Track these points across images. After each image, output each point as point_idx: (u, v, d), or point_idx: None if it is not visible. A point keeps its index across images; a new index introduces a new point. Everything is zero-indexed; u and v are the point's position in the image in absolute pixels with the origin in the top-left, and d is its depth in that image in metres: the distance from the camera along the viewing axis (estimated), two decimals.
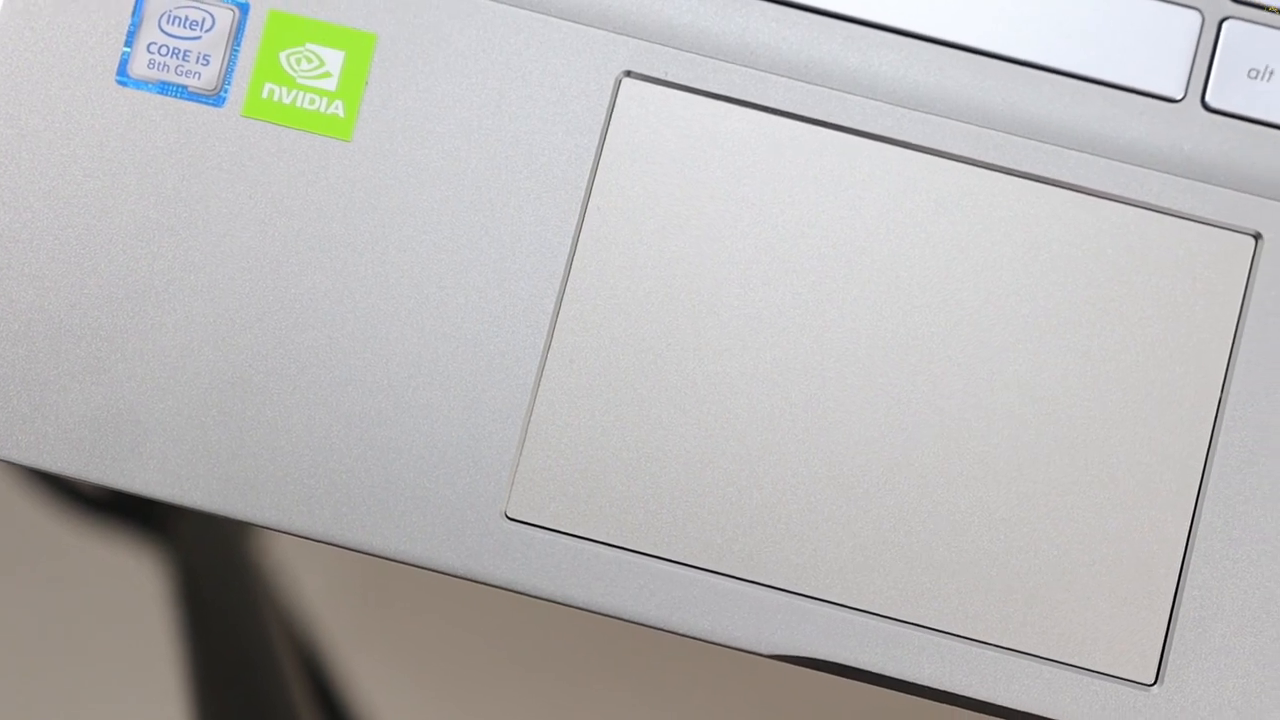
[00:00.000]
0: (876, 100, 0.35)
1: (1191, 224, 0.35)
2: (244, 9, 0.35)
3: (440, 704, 0.69)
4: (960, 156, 0.35)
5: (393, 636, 0.70)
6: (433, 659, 0.69)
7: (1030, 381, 0.34)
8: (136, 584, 0.63)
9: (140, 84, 0.34)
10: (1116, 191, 0.35)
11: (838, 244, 0.35)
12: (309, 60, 0.34)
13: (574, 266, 0.34)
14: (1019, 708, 0.34)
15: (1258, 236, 0.35)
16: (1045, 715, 0.34)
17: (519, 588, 0.34)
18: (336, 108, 0.34)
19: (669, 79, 0.35)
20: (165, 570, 0.60)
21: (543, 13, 0.35)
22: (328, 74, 0.34)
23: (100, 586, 0.65)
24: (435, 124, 0.35)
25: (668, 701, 0.68)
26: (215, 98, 0.34)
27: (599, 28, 0.35)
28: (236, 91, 0.35)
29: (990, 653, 0.34)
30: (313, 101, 0.34)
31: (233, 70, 0.35)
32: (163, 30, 0.35)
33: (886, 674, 0.34)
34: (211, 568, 0.59)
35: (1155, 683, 0.34)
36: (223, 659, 0.53)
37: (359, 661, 0.67)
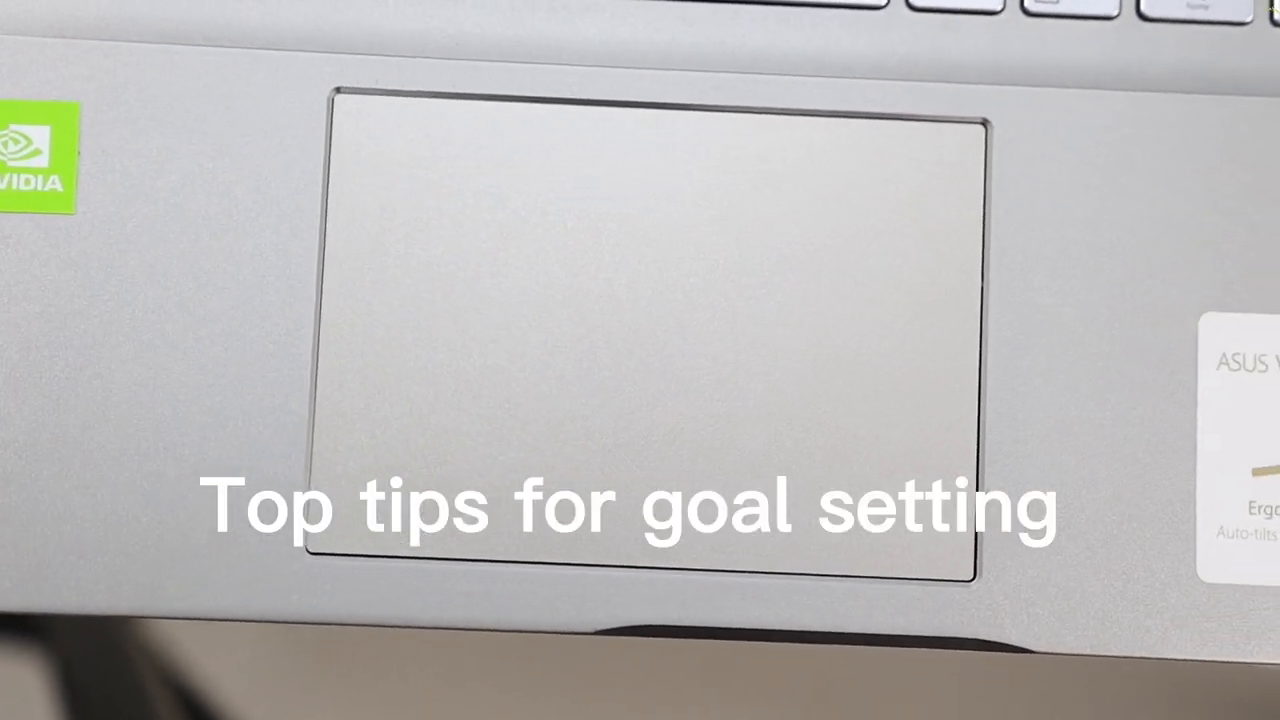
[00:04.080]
0: (589, 66, 0.35)
1: (922, 123, 0.35)
2: None
3: None
4: (682, 104, 0.35)
5: (323, 700, 0.69)
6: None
7: (798, 313, 0.34)
8: (20, 691, 0.62)
9: None
10: (842, 107, 0.35)
11: (581, 211, 0.35)
12: (15, 141, 0.34)
13: (325, 291, 0.34)
14: (848, 630, 0.34)
15: (985, 123, 0.35)
16: (874, 632, 0.34)
17: (336, 619, 0.34)
18: (54, 183, 0.34)
19: (381, 87, 0.35)
20: (46, 670, 0.60)
21: (244, 47, 0.35)
22: (37, 151, 0.34)
23: None
24: (158, 178, 0.34)
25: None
26: None
27: (303, 50, 0.35)
28: None
29: (811, 583, 0.34)
30: (28, 182, 0.34)
31: None
32: None
33: (711, 625, 0.34)
34: (90, 658, 0.58)
35: (974, 577, 0.34)
36: None
37: None
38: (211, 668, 0.66)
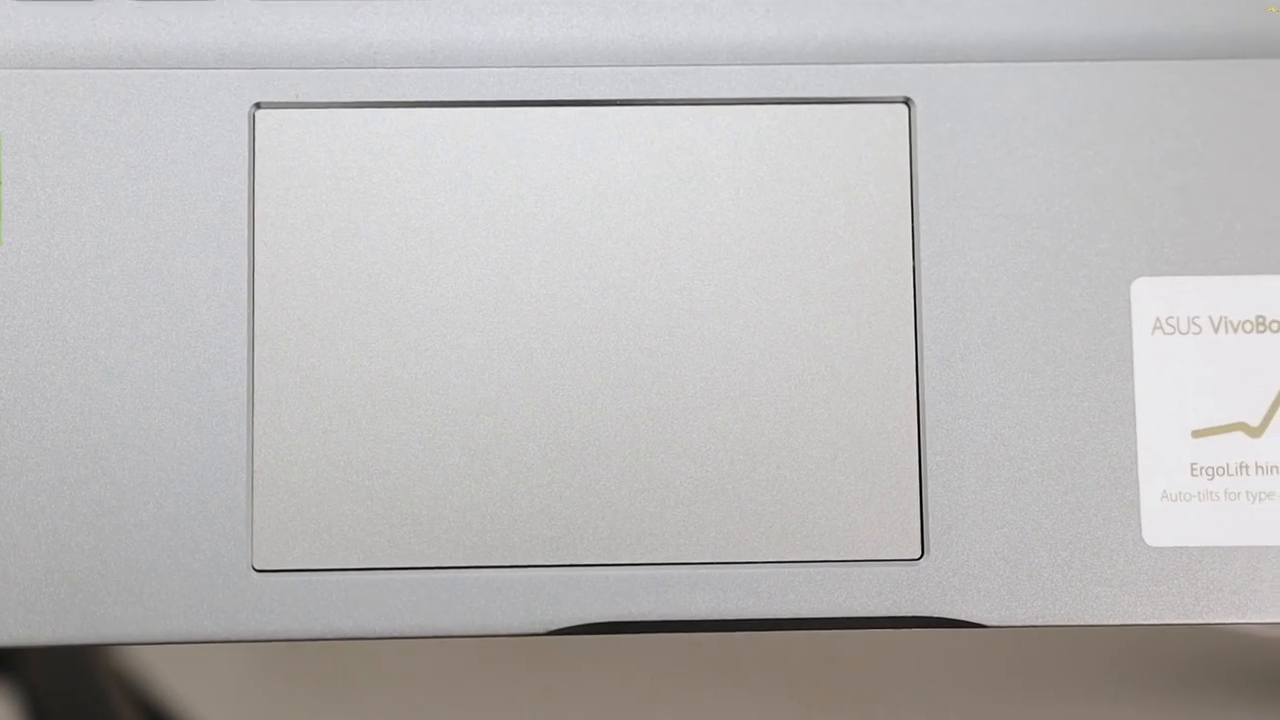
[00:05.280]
0: (508, 67, 0.35)
1: (844, 106, 0.35)
2: None
3: None
4: (605, 100, 0.35)
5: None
6: None
7: (731, 300, 0.34)
8: None
9: None
10: (765, 94, 0.35)
11: (508, 212, 0.34)
12: None
13: (256, 304, 0.34)
14: (798, 615, 0.34)
15: (908, 101, 0.35)
16: (825, 615, 0.34)
17: (284, 636, 0.34)
18: None
19: (302, 100, 0.35)
20: (13, 702, 0.59)
21: (162, 67, 0.35)
22: None
23: None
24: (83, 205, 0.34)
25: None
26: None
27: (221, 68, 0.35)
28: None
29: (760, 570, 0.34)
30: None
31: None
32: None
33: (664, 619, 0.34)
34: (58, 685, 0.58)
35: (922, 555, 0.34)
36: None
37: None
38: (184, 689, 0.66)
